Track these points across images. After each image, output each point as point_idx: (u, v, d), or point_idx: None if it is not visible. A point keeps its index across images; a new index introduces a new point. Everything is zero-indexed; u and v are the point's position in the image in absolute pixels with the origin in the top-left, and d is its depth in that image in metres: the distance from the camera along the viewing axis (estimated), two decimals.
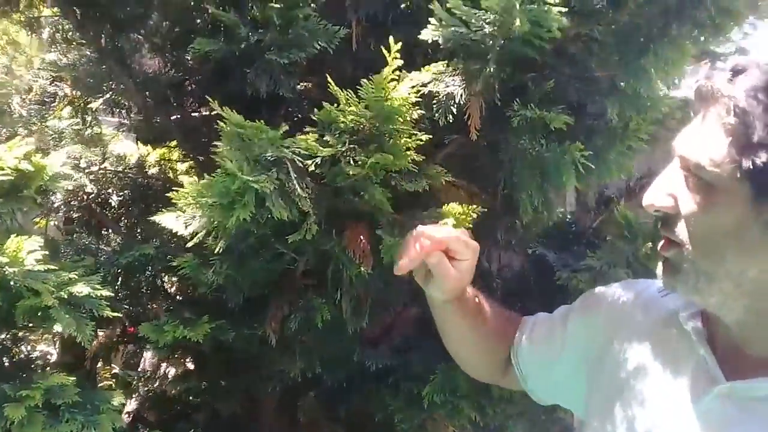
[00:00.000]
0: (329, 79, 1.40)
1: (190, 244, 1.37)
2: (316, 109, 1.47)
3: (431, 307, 1.49)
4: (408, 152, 1.39)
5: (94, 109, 2.31)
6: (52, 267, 1.41)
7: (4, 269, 1.34)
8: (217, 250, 1.37)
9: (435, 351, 1.78)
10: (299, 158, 1.34)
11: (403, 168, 1.41)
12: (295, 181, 1.31)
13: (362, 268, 1.40)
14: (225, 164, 1.28)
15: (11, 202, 1.50)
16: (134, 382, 2.74)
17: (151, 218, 1.45)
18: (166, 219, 1.40)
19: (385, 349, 1.88)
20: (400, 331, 1.96)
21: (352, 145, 1.36)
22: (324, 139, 1.39)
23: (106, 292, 1.52)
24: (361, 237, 1.40)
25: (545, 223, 1.87)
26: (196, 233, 1.36)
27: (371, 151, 1.35)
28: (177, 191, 1.38)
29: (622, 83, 1.62)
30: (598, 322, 1.27)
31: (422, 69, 1.61)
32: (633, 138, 1.64)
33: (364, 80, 1.38)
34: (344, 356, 1.84)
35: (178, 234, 1.46)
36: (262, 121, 2.09)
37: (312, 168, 1.36)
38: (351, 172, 1.33)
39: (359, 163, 1.34)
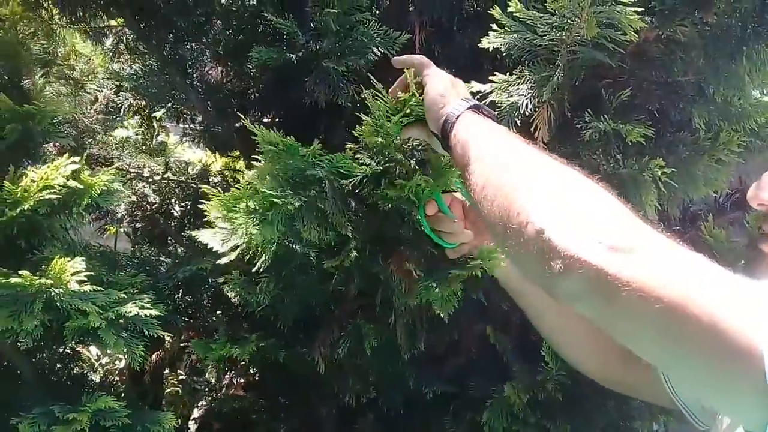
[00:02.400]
0: (366, 95, 1.30)
1: (223, 261, 1.30)
2: (357, 125, 1.38)
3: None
4: (452, 169, 1.27)
5: (158, 118, 2.31)
6: (99, 288, 1.38)
7: (50, 291, 1.32)
8: (256, 267, 1.31)
9: (492, 375, 1.67)
10: (336, 177, 1.26)
11: (449, 187, 1.30)
12: (334, 202, 1.23)
13: (407, 300, 1.31)
14: (249, 177, 1.22)
15: (61, 219, 1.50)
16: (201, 389, 2.74)
17: (190, 233, 1.41)
18: (204, 235, 1.35)
19: (442, 374, 1.77)
20: (461, 354, 1.84)
21: (390, 164, 1.26)
22: (357, 157, 1.30)
23: (155, 312, 1.48)
24: (407, 265, 1.30)
25: None
26: (233, 249, 1.30)
27: (412, 172, 1.25)
28: (206, 204, 1.33)
29: (710, 89, 1.45)
30: None
31: (490, 76, 1.50)
32: (723, 151, 1.46)
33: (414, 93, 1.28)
34: (399, 380, 1.74)
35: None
36: (321, 131, 2.06)
37: (350, 188, 1.27)
38: (391, 195, 1.24)
39: (398, 185, 1.24)
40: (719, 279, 0.75)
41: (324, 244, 1.32)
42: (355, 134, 1.31)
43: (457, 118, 1.12)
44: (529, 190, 0.90)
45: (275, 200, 1.18)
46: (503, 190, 0.94)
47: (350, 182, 1.26)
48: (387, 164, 1.26)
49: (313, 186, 1.25)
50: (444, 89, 1.21)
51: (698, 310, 0.70)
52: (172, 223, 2.35)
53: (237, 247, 1.28)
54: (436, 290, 1.28)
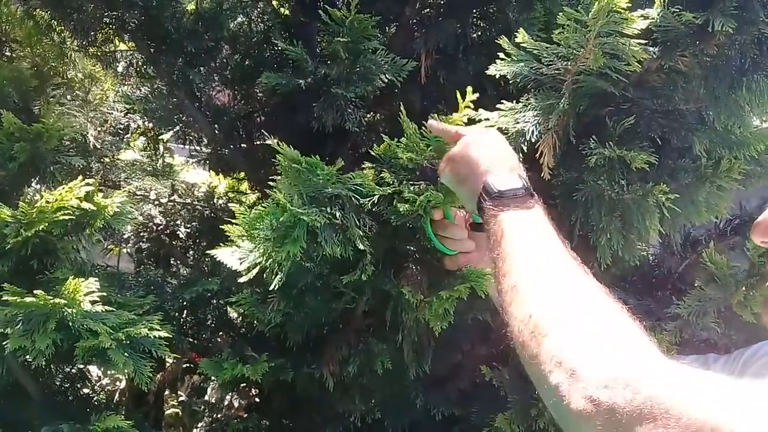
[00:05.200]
0: (402, 111, 1.33)
1: (243, 279, 1.32)
2: (375, 145, 1.41)
3: None
4: None
5: (165, 141, 2.34)
6: (110, 309, 1.40)
7: (63, 310, 1.33)
8: (272, 286, 1.32)
9: (495, 400, 1.68)
10: (356, 195, 1.29)
11: (457, 205, 1.32)
12: (351, 218, 1.26)
13: (419, 315, 1.34)
14: (275, 195, 1.24)
15: (74, 240, 1.52)
16: (200, 411, 2.74)
17: (209, 252, 1.42)
18: (222, 254, 1.36)
19: (449, 394, 1.78)
20: (467, 373, 1.85)
21: (408, 182, 1.30)
22: (381, 176, 1.33)
23: (164, 333, 1.49)
24: (419, 280, 1.32)
25: (626, 265, 1.73)
26: (251, 268, 1.31)
27: (423, 189, 1.28)
28: (230, 224, 1.35)
29: (711, 118, 1.49)
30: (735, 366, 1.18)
31: (494, 101, 1.54)
32: (724, 178, 1.50)
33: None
34: (406, 401, 1.75)
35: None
36: (327, 154, 2.09)
37: (369, 206, 1.30)
38: (402, 210, 1.26)
39: (410, 200, 1.27)
40: (740, 410, 0.75)
41: (337, 261, 1.34)
42: (374, 153, 1.34)
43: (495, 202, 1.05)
44: (547, 325, 0.89)
45: (303, 217, 1.20)
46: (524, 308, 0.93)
47: (369, 200, 1.28)
48: (406, 181, 1.29)
49: (333, 203, 1.28)
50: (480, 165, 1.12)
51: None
52: (178, 245, 2.37)
53: (256, 265, 1.29)
54: (436, 309, 1.32)
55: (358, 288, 1.49)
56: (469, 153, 1.14)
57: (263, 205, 1.31)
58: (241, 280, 1.37)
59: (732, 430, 0.69)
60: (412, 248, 1.38)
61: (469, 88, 1.32)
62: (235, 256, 1.40)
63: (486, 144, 1.16)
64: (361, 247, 1.31)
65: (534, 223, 1.04)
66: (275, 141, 1.37)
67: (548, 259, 0.97)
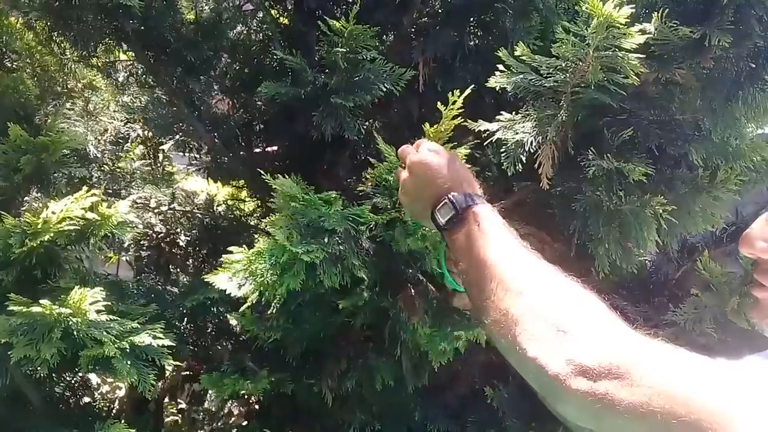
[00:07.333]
0: (378, 137, 1.34)
1: (243, 308, 1.33)
2: (369, 168, 1.43)
3: None
4: None
5: (165, 150, 2.35)
6: (114, 318, 1.41)
7: (68, 320, 1.34)
8: (270, 311, 1.33)
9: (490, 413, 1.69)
10: (352, 225, 1.30)
11: None
12: (350, 249, 1.27)
13: (416, 342, 1.35)
14: (275, 234, 1.25)
15: (78, 249, 1.53)
16: (200, 419, 2.74)
17: (205, 278, 1.42)
18: (219, 280, 1.36)
19: (449, 404, 1.80)
20: (466, 381, 1.87)
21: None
22: (375, 203, 1.35)
23: (167, 342, 1.51)
24: (416, 303, 1.34)
25: (623, 271, 1.75)
26: (248, 296, 1.32)
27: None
28: (227, 260, 1.35)
29: (708, 128, 1.51)
30: None
31: (491, 109, 1.56)
32: (721, 188, 1.52)
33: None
34: (406, 411, 1.76)
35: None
36: (326, 163, 2.11)
37: (367, 232, 1.31)
38: (411, 246, 1.28)
39: (419, 236, 1.28)
40: (700, 375, 0.79)
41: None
42: (368, 176, 1.35)
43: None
44: (521, 316, 0.94)
45: (303, 257, 1.21)
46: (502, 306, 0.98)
47: (366, 227, 1.30)
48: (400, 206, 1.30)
49: (330, 235, 1.29)
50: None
51: (684, 409, 0.75)
52: (178, 253, 2.38)
53: (254, 291, 1.30)
54: (440, 345, 1.33)
55: (356, 306, 1.51)
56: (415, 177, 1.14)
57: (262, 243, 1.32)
58: (242, 309, 1.38)
59: (689, 398, 0.73)
60: (410, 271, 1.39)
61: (456, 94, 1.33)
62: (233, 282, 1.40)
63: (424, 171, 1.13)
64: (360, 275, 1.32)
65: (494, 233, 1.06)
66: (273, 176, 1.38)
67: (519, 259, 1.01)
